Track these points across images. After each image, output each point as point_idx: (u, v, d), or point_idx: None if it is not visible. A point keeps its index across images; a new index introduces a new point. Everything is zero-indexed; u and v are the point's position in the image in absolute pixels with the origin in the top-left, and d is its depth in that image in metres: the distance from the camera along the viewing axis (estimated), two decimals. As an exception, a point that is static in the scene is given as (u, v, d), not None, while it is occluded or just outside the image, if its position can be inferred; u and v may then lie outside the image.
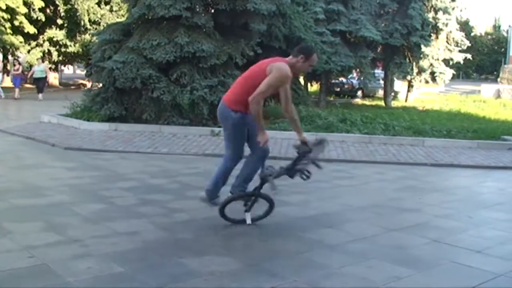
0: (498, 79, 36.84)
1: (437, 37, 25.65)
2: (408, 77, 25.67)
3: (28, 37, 28.50)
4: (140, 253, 4.59)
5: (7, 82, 31.21)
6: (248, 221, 5.44)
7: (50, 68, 31.63)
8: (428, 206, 6.83)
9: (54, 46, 29.75)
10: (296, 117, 5.49)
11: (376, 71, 26.88)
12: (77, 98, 14.90)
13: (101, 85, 13.51)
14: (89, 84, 29.21)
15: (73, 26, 29.51)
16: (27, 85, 28.76)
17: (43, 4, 27.83)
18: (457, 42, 26.47)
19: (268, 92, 5.11)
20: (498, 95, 30.82)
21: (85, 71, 32.77)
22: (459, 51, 26.66)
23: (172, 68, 12.99)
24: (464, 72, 63.73)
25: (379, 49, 24.07)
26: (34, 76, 24.09)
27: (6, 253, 4.43)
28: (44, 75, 24.14)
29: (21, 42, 27.89)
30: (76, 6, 27.90)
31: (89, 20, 28.57)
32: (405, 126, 13.84)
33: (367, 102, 26.94)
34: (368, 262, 4.57)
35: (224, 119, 5.33)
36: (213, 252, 4.69)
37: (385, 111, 19.36)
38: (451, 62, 26.59)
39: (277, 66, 5.10)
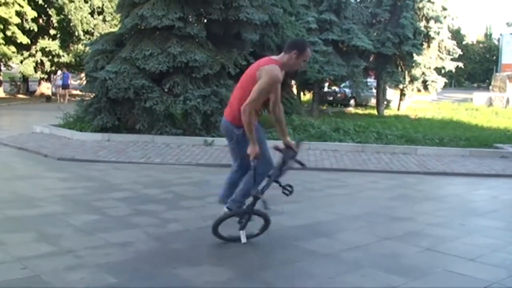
0: (490, 87, 37.06)
1: (429, 46, 25.79)
2: (400, 86, 25.76)
3: (20, 48, 28.42)
4: (134, 264, 4.58)
5: (0, 92, 31.13)
6: (243, 240, 5.07)
7: (42, 78, 31.48)
8: (421, 215, 6.85)
9: (47, 56, 29.66)
10: (282, 118, 5.19)
11: (368, 80, 26.97)
12: (69, 108, 14.88)
13: (93, 95, 13.49)
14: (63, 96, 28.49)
15: (66, 36, 29.46)
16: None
17: (35, 14, 27.78)
18: (449, 51, 26.64)
19: (260, 99, 4.77)
20: (490, 103, 31.00)
21: (59, 82, 30.96)
22: (451, 59, 26.82)
23: (165, 78, 13.00)
24: (456, 80, 64.05)
25: (371, 58, 24.17)
26: None
27: (-1, 264, 4.41)
28: None
29: (13, 52, 27.81)
30: (69, 16, 27.87)
31: (82, 30, 28.56)
32: (398, 134, 13.91)
33: (359, 111, 27.02)
34: (361, 271, 4.58)
35: (229, 135, 5.06)
36: (207, 262, 4.68)
37: (378, 119, 19.43)
38: (443, 71, 26.73)
39: (267, 70, 4.74)
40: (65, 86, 29.05)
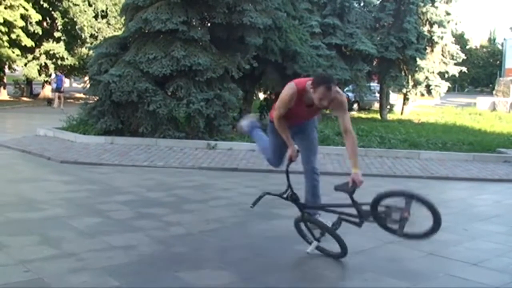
0: (494, 92, 37.00)
1: (432, 50, 25.81)
2: (404, 90, 25.78)
3: (25, 50, 28.51)
4: (136, 267, 4.58)
5: (4, 95, 31.22)
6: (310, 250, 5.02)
7: (46, 81, 31.55)
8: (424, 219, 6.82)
9: (51, 59, 29.72)
10: (350, 148, 5.41)
11: (371, 84, 26.99)
12: (72, 111, 14.91)
13: (97, 98, 13.51)
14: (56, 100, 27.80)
15: (71, 39, 29.56)
16: None
17: (40, 18, 27.89)
18: (452, 55, 26.65)
19: (282, 111, 5.03)
20: (493, 108, 30.97)
21: (54, 85, 29.85)
22: (455, 64, 26.83)
23: (169, 82, 13.01)
24: (460, 85, 64.01)
25: (374, 62, 24.17)
26: None
27: (2, 267, 4.41)
28: None
29: (18, 55, 27.90)
30: (75, 19, 27.98)
31: (87, 33, 28.67)
32: (401, 139, 13.89)
33: (363, 115, 27.02)
34: (364, 275, 4.57)
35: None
36: (209, 266, 4.68)
37: (381, 124, 19.44)
38: (446, 75, 26.74)
39: (286, 86, 4.98)
40: (58, 89, 27.11)
